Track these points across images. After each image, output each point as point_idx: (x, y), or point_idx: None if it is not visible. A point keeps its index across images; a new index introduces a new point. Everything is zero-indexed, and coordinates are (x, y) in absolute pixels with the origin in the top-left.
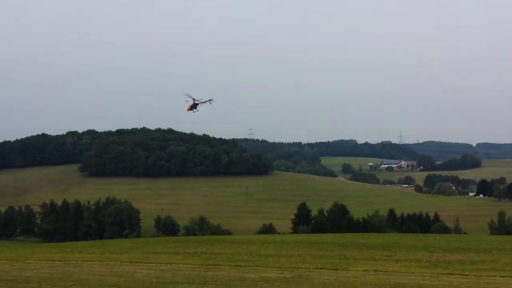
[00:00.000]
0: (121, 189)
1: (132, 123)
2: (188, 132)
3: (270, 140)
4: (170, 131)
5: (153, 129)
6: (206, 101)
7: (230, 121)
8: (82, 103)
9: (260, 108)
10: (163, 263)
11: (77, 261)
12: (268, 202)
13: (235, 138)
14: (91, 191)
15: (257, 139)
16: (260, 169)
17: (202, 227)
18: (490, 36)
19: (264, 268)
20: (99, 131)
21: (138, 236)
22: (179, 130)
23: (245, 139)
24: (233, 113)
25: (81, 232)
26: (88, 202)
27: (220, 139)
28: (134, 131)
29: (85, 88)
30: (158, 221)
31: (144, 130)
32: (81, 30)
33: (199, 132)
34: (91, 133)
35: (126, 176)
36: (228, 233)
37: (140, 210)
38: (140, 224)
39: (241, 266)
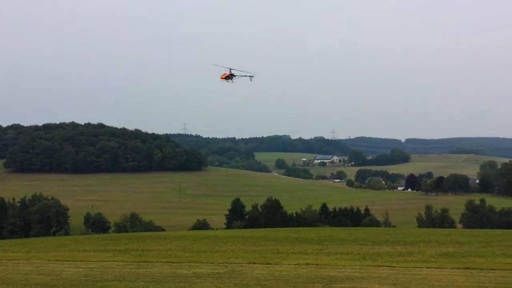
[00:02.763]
0: (48, 186)
1: (60, 117)
2: (119, 127)
3: (204, 135)
4: (101, 125)
5: (83, 123)
6: (246, 75)
7: (164, 116)
8: (6, 97)
9: (195, 103)
10: (92, 261)
11: (1, 260)
12: (202, 198)
13: (168, 133)
14: (16, 188)
15: (191, 134)
16: (194, 165)
17: (133, 224)
18: (421, 35)
19: (197, 264)
20: (25, 126)
21: (67, 234)
22: (110, 125)
23: (179, 134)
24: (167, 108)
25: (6, 230)
26: (13, 199)
27: (153, 134)
28: (62, 125)
29: (9, 81)
30: (87, 218)
31: (73, 125)
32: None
33: (131, 127)
34: (16, 127)
35: (53, 172)
36: (161, 229)
37: (69, 207)
38: (69, 221)
39: (173, 263)
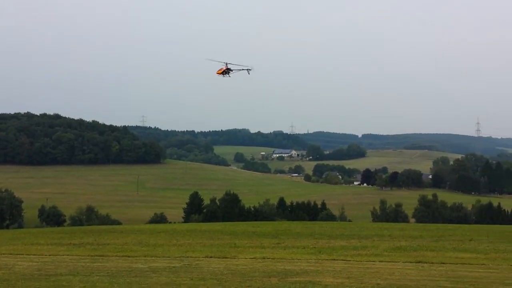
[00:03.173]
0: (2, 178)
1: (15, 107)
2: (76, 118)
3: (163, 128)
4: (57, 116)
5: (38, 114)
6: (243, 69)
7: (122, 108)
8: None
9: (154, 96)
10: (46, 255)
11: None
12: (160, 191)
13: (126, 125)
14: None
15: (150, 126)
16: (152, 158)
17: (89, 217)
18: (378, 32)
19: (153, 258)
20: None
21: (20, 227)
22: (67, 116)
23: (138, 127)
24: (126, 100)
25: None
26: None
27: (111, 126)
28: (17, 116)
29: None
30: (42, 211)
31: (28, 115)
32: None
33: (88, 118)
34: None
35: (8, 163)
36: (118, 223)
37: (23, 200)
38: (23, 214)
39: (129, 257)
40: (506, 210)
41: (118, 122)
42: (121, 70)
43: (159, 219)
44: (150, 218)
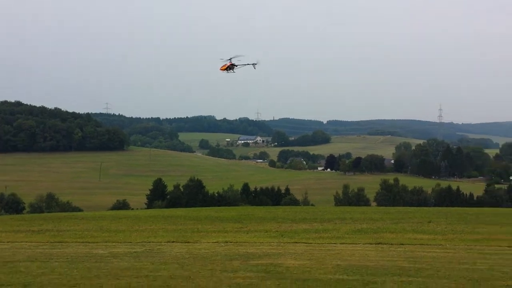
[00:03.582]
0: None
1: None
2: (38, 105)
3: (128, 115)
4: (18, 103)
5: None
6: (248, 64)
7: (85, 95)
8: None
9: (118, 83)
10: (3, 242)
11: None
12: (123, 178)
13: (89, 112)
14: None
15: (113, 113)
16: (116, 145)
17: (49, 205)
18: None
19: (114, 243)
20: None
21: None
22: (28, 103)
23: (101, 114)
24: (89, 86)
25: None
26: None
27: (74, 113)
28: None
29: None
30: (0, 198)
31: None
32: None
33: (50, 105)
34: None
35: None
36: (79, 210)
37: None
38: None
39: (89, 243)
40: (464, 193)
41: (82, 110)
42: (84, 56)
43: (122, 205)
44: (113, 205)
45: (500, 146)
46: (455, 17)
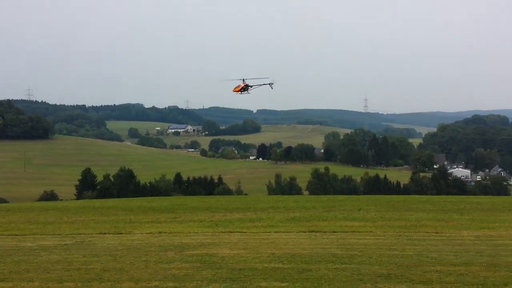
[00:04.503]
0: None
1: None
2: None
3: (52, 102)
4: None
5: None
6: (264, 84)
7: (6, 80)
8: None
9: (41, 68)
10: None
11: None
12: (49, 168)
13: (11, 99)
14: None
15: (36, 100)
16: (40, 133)
17: None
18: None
19: (43, 236)
20: None
21: None
22: None
23: (23, 101)
24: (9, 71)
25: None
26: None
27: None
28: None
29: None
30: None
31: None
32: None
33: None
34: None
35: None
36: (4, 201)
37: None
38: None
39: (16, 235)
40: (391, 181)
41: (1, 96)
42: (4, 39)
43: (49, 196)
44: (40, 196)
45: (423, 136)
46: (374, 7)
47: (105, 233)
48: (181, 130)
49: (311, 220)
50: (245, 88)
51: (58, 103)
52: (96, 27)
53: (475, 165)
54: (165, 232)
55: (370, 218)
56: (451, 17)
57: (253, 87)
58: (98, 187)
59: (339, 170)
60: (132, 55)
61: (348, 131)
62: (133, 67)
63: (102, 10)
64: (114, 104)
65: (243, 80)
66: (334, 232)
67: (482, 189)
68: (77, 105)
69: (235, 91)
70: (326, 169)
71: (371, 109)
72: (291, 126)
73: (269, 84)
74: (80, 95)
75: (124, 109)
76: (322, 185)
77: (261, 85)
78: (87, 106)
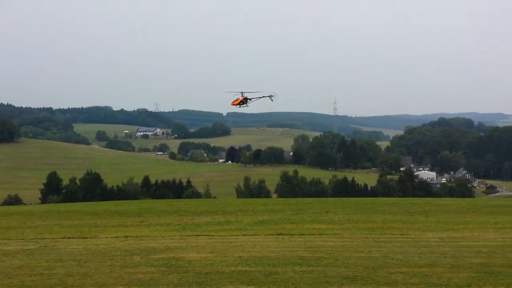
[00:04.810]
0: None
1: None
2: None
3: (17, 104)
4: None
5: None
6: (264, 97)
7: None
8: None
9: (6, 69)
10: None
11: None
12: (14, 171)
13: None
14: None
15: (2, 103)
16: (5, 136)
17: None
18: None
19: (5, 240)
20: None
21: None
22: None
23: None
24: None
25: None
26: None
27: None
28: None
29: None
30: None
31: None
32: None
33: None
34: None
35: None
36: None
37: None
38: None
39: None
40: (359, 183)
41: None
42: None
43: (13, 201)
44: (3, 200)
45: (391, 139)
46: (345, 12)
47: (69, 238)
48: (150, 133)
49: (279, 223)
50: (244, 101)
51: (24, 106)
52: (65, 28)
53: (440, 168)
54: (131, 236)
55: (337, 221)
56: (415, 23)
57: (252, 100)
58: (64, 191)
59: (308, 173)
60: (101, 57)
61: (318, 134)
62: (102, 69)
63: (74, 11)
64: (82, 107)
65: (242, 93)
66: (302, 234)
67: (447, 191)
68: (43, 107)
69: (233, 105)
70: (295, 172)
71: (340, 112)
72: (261, 129)
73: (269, 96)
74: (46, 98)
75: (92, 111)
76: (291, 188)
77: (260, 97)
78: (54, 108)
